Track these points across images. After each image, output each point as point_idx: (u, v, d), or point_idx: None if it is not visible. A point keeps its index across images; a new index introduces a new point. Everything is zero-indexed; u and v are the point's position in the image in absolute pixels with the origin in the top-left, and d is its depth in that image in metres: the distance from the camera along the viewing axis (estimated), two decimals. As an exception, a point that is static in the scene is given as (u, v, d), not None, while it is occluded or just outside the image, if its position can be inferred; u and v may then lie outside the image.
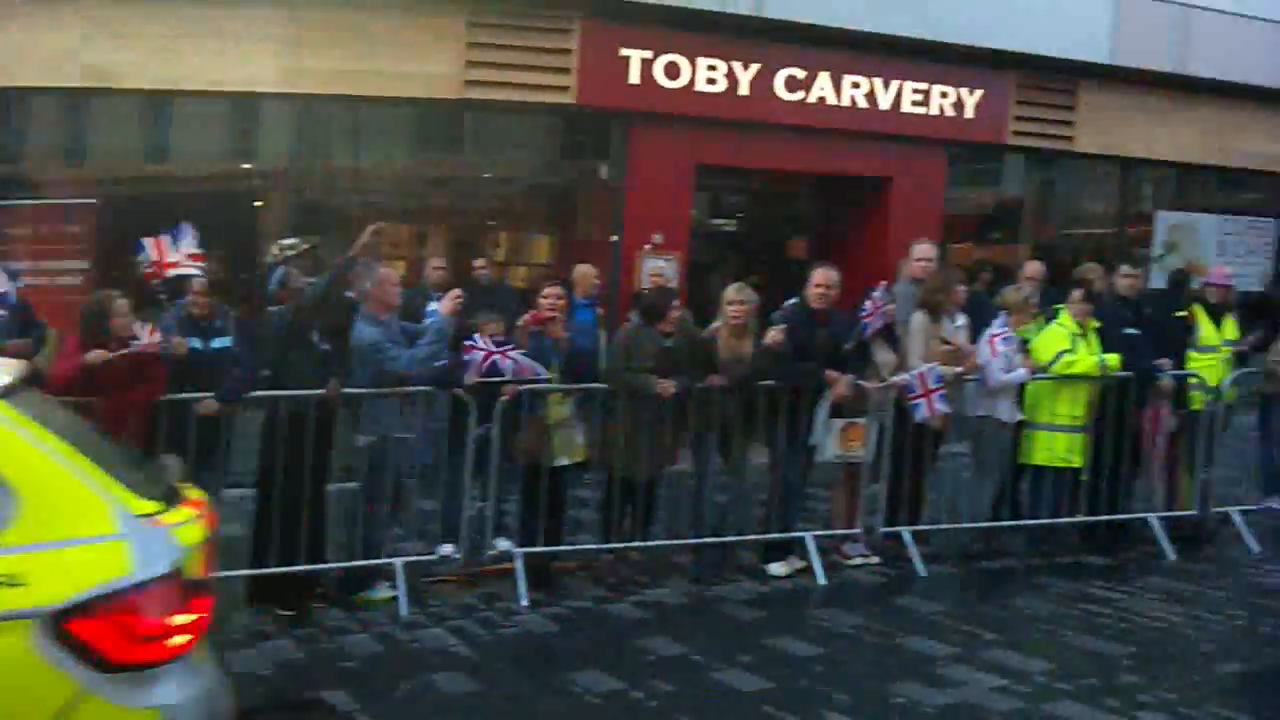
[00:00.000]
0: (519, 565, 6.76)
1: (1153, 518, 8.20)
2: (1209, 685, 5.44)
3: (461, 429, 6.78)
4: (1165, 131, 14.54)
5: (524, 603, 6.54)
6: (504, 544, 7.05)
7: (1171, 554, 7.91)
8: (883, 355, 7.56)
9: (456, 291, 6.89)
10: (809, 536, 7.39)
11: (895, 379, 7.44)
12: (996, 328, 7.74)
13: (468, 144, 12.62)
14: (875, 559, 7.60)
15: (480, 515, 6.94)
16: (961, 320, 7.87)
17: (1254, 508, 8.57)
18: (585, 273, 9.41)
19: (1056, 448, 7.89)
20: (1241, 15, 14.34)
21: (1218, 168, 15.36)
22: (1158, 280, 14.05)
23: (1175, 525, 8.27)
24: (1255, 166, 15.49)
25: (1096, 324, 8.07)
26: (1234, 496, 8.62)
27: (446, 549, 7.00)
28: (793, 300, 7.64)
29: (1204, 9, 14.04)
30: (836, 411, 7.37)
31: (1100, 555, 7.96)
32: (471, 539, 6.91)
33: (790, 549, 7.40)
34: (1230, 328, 8.74)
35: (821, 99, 12.27)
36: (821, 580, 7.15)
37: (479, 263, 10.42)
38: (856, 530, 7.62)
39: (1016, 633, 6.38)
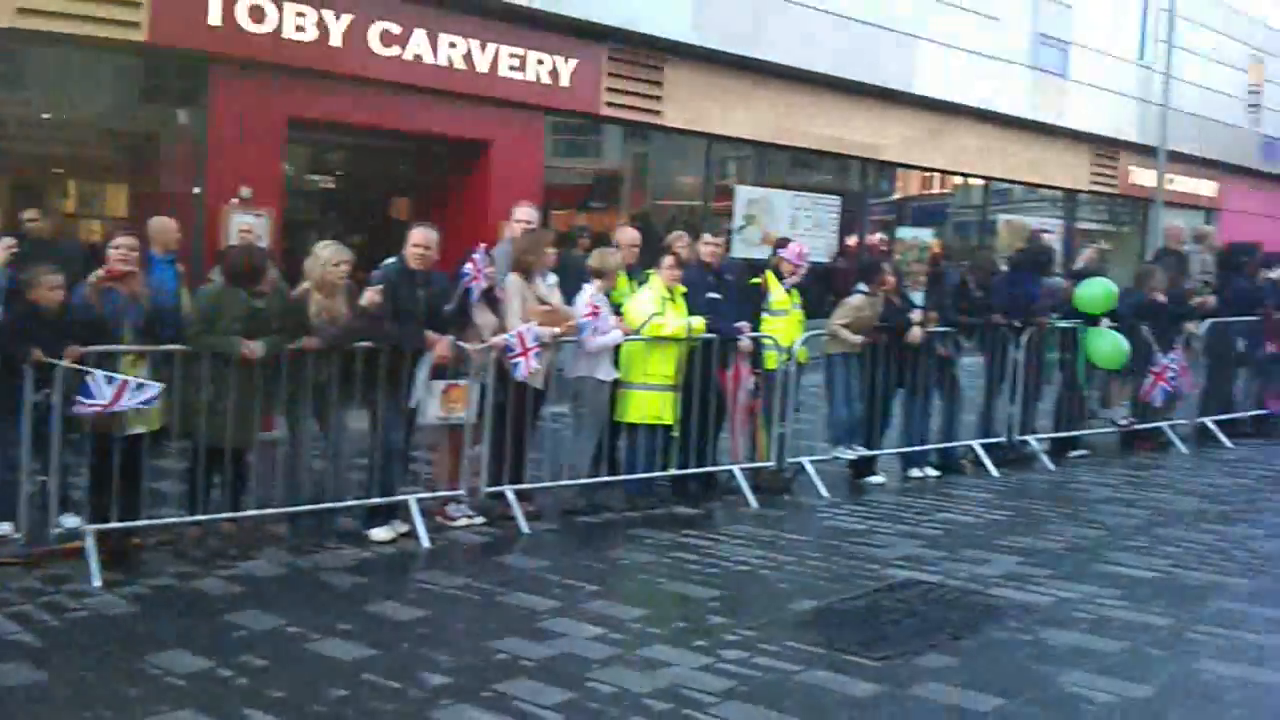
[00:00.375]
0: (89, 543, 6.14)
1: (736, 469, 8.72)
2: (786, 620, 5.82)
3: (14, 395, 6.05)
4: (744, 111, 15.52)
5: (96, 583, 5.95)
6: (71, 521, 6.39)
7: (754, 503, 8.44)
8: (483, 317, 7.53)
9: (9, 241, 6.13)
10: (412, 499, 7.24)
11: (495, 340, 7.43)
12: (588, 292, 7.94)
13: (29, 81, 11.29)
14: (479, 519, 7.57)
15: (43, 491, 6.25)
16: (552, 279, 7.97)
17: (823, 458, 9.32)
18: (164, 226, 8.68)
19: (650, 406, 8.21)
20: (810, 7, 15.52)
21: (791, 147, 16.60)
22: (739, 250, 15.01)
23: (757, 476, 8.85)
24: (822, 148, 16.89)
25: (683, 289, 8.46)
26: (807, 448, 9.35)
27: (4, 529, 6.26)
28: (391, 260, 7.43)
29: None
30: (438, 373, 7.26)
31: (690, 506, 8.37)
32: (33, 517, 6.21)
33: (394, 513, 7.23)
34: (796, 295, 9.41)
35: (418, 56, 12.06)
36: (425, 543, 7.02)
37: (29, 214, 9.34)
38: (460, 492, 7.55)
39: (614, 583, 6.57)
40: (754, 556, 7.09)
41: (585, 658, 5.19)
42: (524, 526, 7.47)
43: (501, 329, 7.49)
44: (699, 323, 8.34)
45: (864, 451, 9.38)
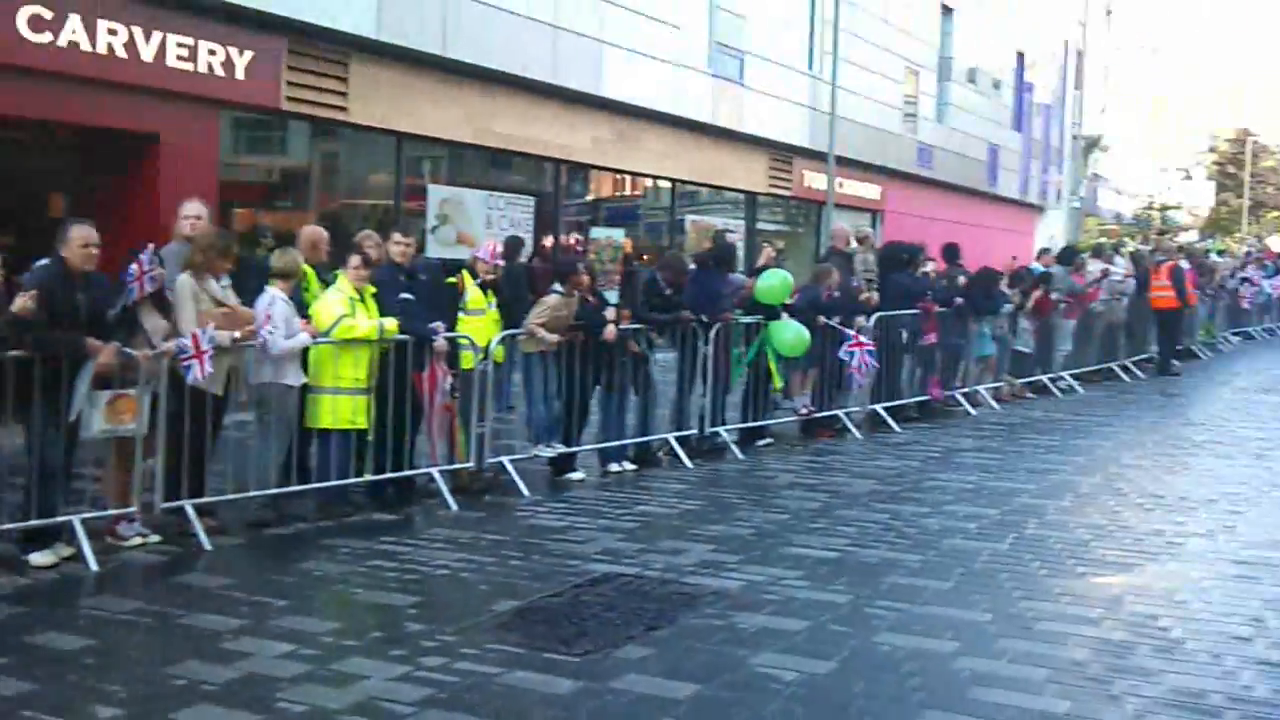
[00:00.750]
0: None
1: (435, 472, 8.56)
2: (486, 623, 5.73)
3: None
4: (435, 110, 15.30)
5: None
6: None
7: (454, 505, 8.30)
8: (152, 321, 7.03)
9: None
10: (76, 520, 6.65)
11: (166, 345, 6.95)
12: (270, 294, 7.59)
13: None
14: (155, 537, 7.06)
15: None
16: (226, 280, 7.53)
17: (523, 456, 9.29)
18: None
19: (341, 411, 7.93)
20: (496, 8, 15.49)
21: (484, 148, 16.52)
22: (434, 249, 14.79)
23: (456, 478, 8.71)
24: (515, 149, 16.90)
25: (373, 289, 8.22)
26: (506, 447, 9.29)
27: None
28: (45, 261, 6.80)
29: (460, -3, 14.94)
30: (103, 383, 6.71)
31: (388, 512, 8.14)
32: None
33: (57, 535, 6.61)
34: (493, 296, 9.36)
35: (74, 44, 11.13)
36: (93, 566, 6.47)
37: None
38: (132, 509, 7.01)
39: (307, 597, 6.28)
40: (454, 560, 6.96)
41: (274, 677, 4.92)
42: (206, 543, 7.03)
43: (174, 334, 7.01)
44: (391, 324, 8.13)
45: (563, 449, 9.43)
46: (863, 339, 11.66)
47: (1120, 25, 46.53)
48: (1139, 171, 49.79)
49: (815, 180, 23.69)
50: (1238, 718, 4.63)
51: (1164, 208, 45.57)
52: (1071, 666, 5.19)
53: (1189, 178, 52.89)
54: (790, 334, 10.91)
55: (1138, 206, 45.22)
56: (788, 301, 11.19)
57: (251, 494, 7.60)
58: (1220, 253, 29.37)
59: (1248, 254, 30.83)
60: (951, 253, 14.85)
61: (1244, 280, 24.47)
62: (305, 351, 7.78)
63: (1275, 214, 66.36)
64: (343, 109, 14.05)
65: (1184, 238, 37.27)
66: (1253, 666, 5.12)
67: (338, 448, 7.96)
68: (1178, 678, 5.04)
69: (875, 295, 12.86)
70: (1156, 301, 17.85)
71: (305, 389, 7.82)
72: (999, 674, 5.10)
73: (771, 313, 11.04)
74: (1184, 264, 18.70)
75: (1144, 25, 51.23)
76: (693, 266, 11.35)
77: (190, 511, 7.12)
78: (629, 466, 9.88)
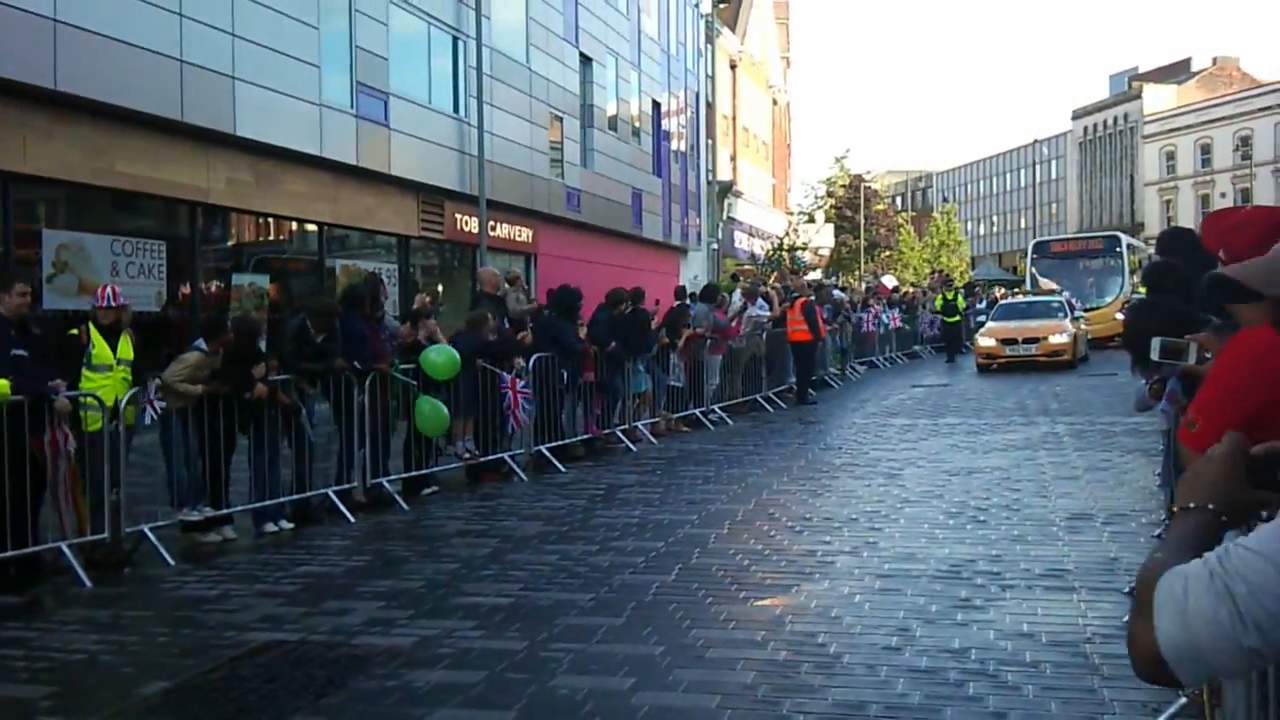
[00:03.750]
0: None
1: (64, 546, 7.74)
2: (134, 708, 5.21)
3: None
4: (47, 148, 14.05)
5: None
6: None
7: (88, 581, 7.55)
8: None
9: None
10: None
11: None
12: None
13: None
14: None
15: None
16: None
17: (166, 523, 8.59)
18: None
19: (-52, 483, 7.03)
20: (110, 38, 14.44)
21: (106, 189, 15.32)
22: (51, 301, 13.54)
23: (91, 551, 7.92)
24: (141, 190, 15.79)
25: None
26: (146, 514, 8.55)
27: None
28: None
29: (71, 25, 13.82)
30: None
31: (11, 594, 7.29)
32: None
33: None
34: (126, 347, 8.64)
35: None
36: None
37: None
38: None
39: (-89, 701, 5.47)
40: (91, 642, 6.30)
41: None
42: None
43: None
44: (3, 384, 7.30)
45: (211, 512, 8.80)
46: (519, 382, 11.67)
47: (744, 80, 49.79)
48: (768, 216, 53.26)
49: (468, 223, 23.70)
50: (897, 725, 4.89)
51: (791, 248, 48.96)
52: (742, 690, 5.32)
53: (811, 220, 57.15)
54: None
55: (769, 248, 48.31)
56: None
57: None
58: (842, 289, 31.92)
59: (867, 289, 33.78)
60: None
61: (862, 314, 26.68)
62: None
63: (888, 253, 72.99)
64: (-64, 147, 12.64)
65: (811, 276, 40.16)
66: (905, 675, 5.44)
67: (-54, 526, 7.05)
68: (839, 691, 5.27)
69: (529, 335, 12.93)
70: (793, 335, 19.06)
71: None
72: (675, 705, 5.15)
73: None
74: (813, 299, 20.11)
75: (770, 77, 55.06)
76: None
77: None
78: (286, 525, 9.37)
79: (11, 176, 13.86)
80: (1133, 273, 31.55)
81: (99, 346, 8.32)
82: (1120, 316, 28.64)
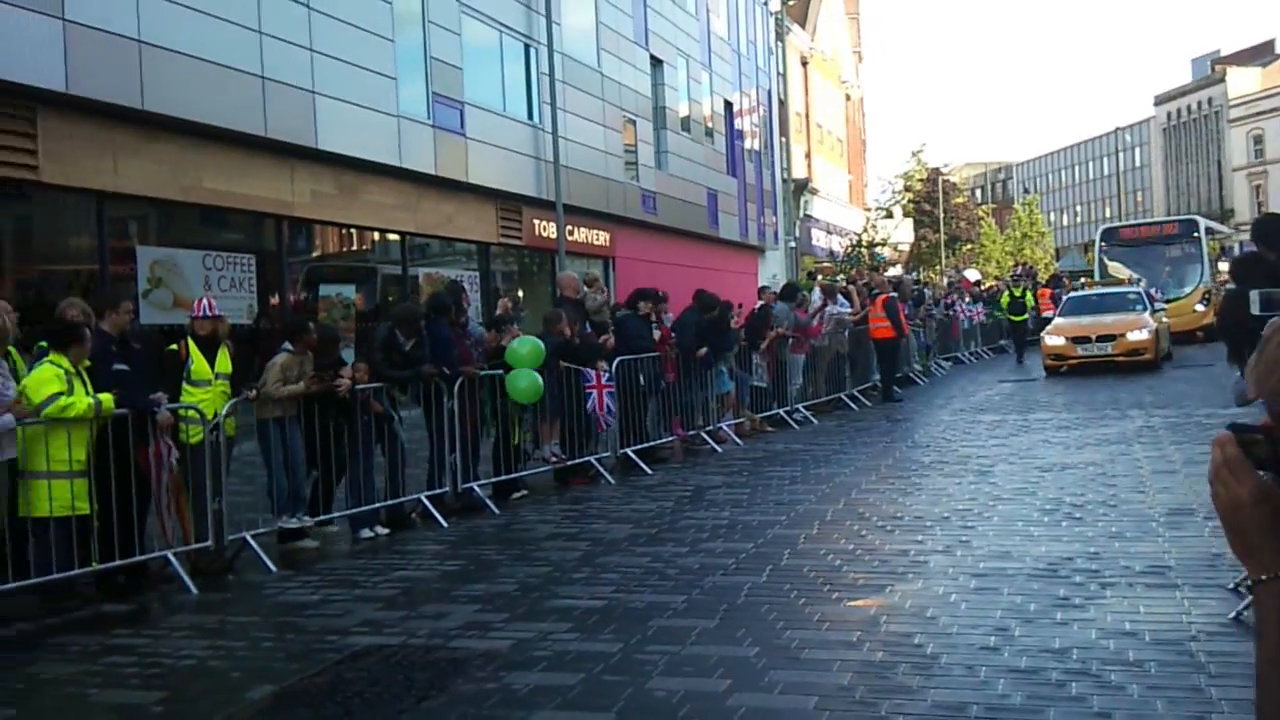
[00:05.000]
0: None
1: (170, 554, 7.96)
2: (243, 713, 5.34)
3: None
4: (135, 166, 14.42)
5: None
6: None
7: (194, 589, 7.75)
8: None
9: None
10: None
11: None
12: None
13: None
14: None
15: None
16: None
17: (266, 530, 8.78)
18: None
19: (59, 496, 7.26)
20: (195, 57, 14.78)
21: (195, 205, 15.69)
22: (148, 315, 13.90)
23: (195, 559, 8.13)
24: (229, 205, 16.15)
25: (87, 362, 7.61)
26: (248, 521, 8.76)
27: None
28: None
29: (157, 46, 14.17)
30: None
31: (121, 602, 7.52)
32: None
33: None
34: (224, 360, 8.86)
35: None
36: None
37: None
38: None
39: (34, 704, 5.67)
40: (200, 648, 6.47)
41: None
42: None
43: None
44: (107, 398, 7.52)
45: (309, 520, 8.98)
46: (603, 379, 11.74)
47: (816, 76, 49.49)
48: (845, 212, 52.88)
49: (546, 229, 23.85)
50: (1000, 726, 4.83)
51: (870, 244, 48.55)
52: (839, 692, 5.30)
53: (889, 216, 56.64)
54: (524, 381, 10.83)
55: (847, 244, 47.96)
56: None
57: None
58: (923, 284, 31.53)
59: (949, 283, 33.28)
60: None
61: (949, 308, 26.34)
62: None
63: (969, 246, 72.02)
64: (33, 168, 13.03)
65: (891, 272, 39.82)
66: (1005, 675, 5.37)
67: (58, 536, 7.27)
68: (938, 692, 5.22)
69: (611, 338, 12.98)
70: (875, 333, 18.91)
71: (17, 474, 7.12)
72: (772, 707, 5.15)
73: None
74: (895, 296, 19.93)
75: (842, 72, 54.68)
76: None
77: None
78: (382, 531, 9.53)
79: (105, 195, 14.26)
80: (1213, 259, 29.45)
81: (198, 362, 8.54)
82: (1201, 308, 27.48)
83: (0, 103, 12.52)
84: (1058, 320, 23.32)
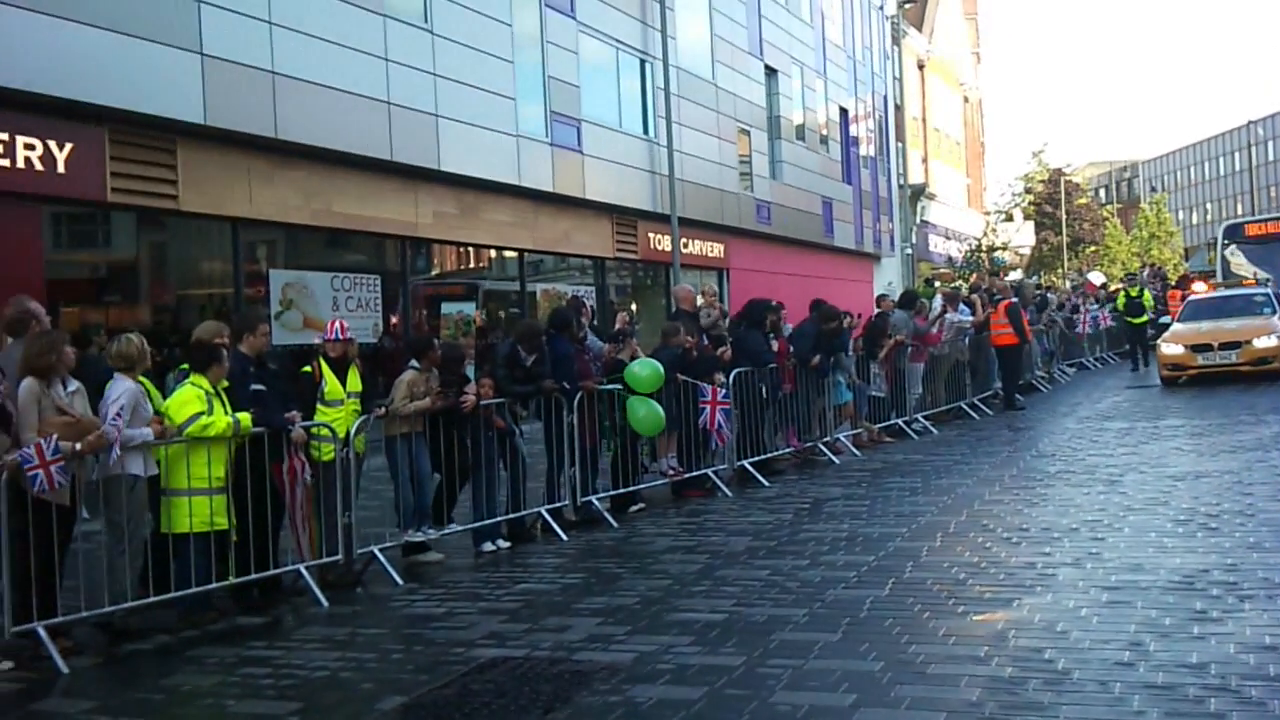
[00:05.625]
0: None
1: (302, 568, 8.22)
2: (375, 723, 5.49)
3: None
4: (269, 192, 14.96)
5: None
6: None
7: (324, 601, 7.98)
8: (-11, 435, 6.61)
9: None
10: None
11: (7, 457, 6.52)
12: (120, 386, 7.25)
13: None
14: (7, 664, 6.58)
15: None
16: (75, 385, 7.17)
17: (392, 544, 9.01)
18: None
19: (199, 512, 7.56)
20: (324, 85, 15.27)
21: (322, 228, 16.20)
22: (280, 336, 14.38)
23: (325, 572, 8.38)
24: (354, 227, 16.63)
25: (225, 383, 7.92)
26: (375, 536, 9.00)
27: None
28: None
29: (289, 77, 14.67)
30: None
31: (255, 615, 7.78)
32: None
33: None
34: (355, 379, 9.11)
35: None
36: (-64, 705, 5.98)
37: None
38: (-23, 638, 6.52)
39: (176, 714, 5.92)
40: (331, 660, 6.66)
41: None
42: (62, 666, 6.57)
43: (17, 445, 6.59)
44: (245, 417, 7.81)
45: (434, 534, 9.18)
46: (718, 395, 11.74)
47: (934, 80, 48.80)
48: (964, 217, 51.99)
49: (660, 242, 23.99)
50: (1134, 744, 4.71)
51: (990, 249, 47.61)
52: (968, 707, 5.21)
53: (1009, 219, 55.46)
54: (643, 410, 10.82)
55: (966, 249, 47.12)
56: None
57: (108, 609, 7.15)
58: (1046, 288, 30.72)
59: (1073, 287, 32.41)
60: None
61: (1074, 310, 25.66)
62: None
63: (1093, 248, 70.16)
64: (173, 197, 13.62)
65: (1012, 276, 38.99)
66: (1140, 691, 5.23)
67: (198, 551, 7.57)
68: (1070, 709, 5.11)
69: (729, 350, 12.98)
70: (996, 339, 18.54)
71: (160, 492, 7.44)
72: (900, 722, 5.10)
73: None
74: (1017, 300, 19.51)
75: (960, 75, 53.82)
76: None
77: (42, 633, 6.66)
78: (503, 545, 9.69)
79: (238, 221, 14.83)
80: None
81: (330, 383, 8.80)
82: None
83: (144, 136, 13.12)
84: (1176, 326, 21.27)
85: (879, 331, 15.79)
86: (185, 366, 8.00)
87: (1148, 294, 26.17)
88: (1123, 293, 26.82)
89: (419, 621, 7.48)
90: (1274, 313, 20.63)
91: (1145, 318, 24.98)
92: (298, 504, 8.28)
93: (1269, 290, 22.08)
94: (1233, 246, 28.21)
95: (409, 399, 9.09)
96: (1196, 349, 19.75)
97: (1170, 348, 20.22)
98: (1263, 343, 19.41)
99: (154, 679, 6.50)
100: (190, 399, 7.59)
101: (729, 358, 12.76)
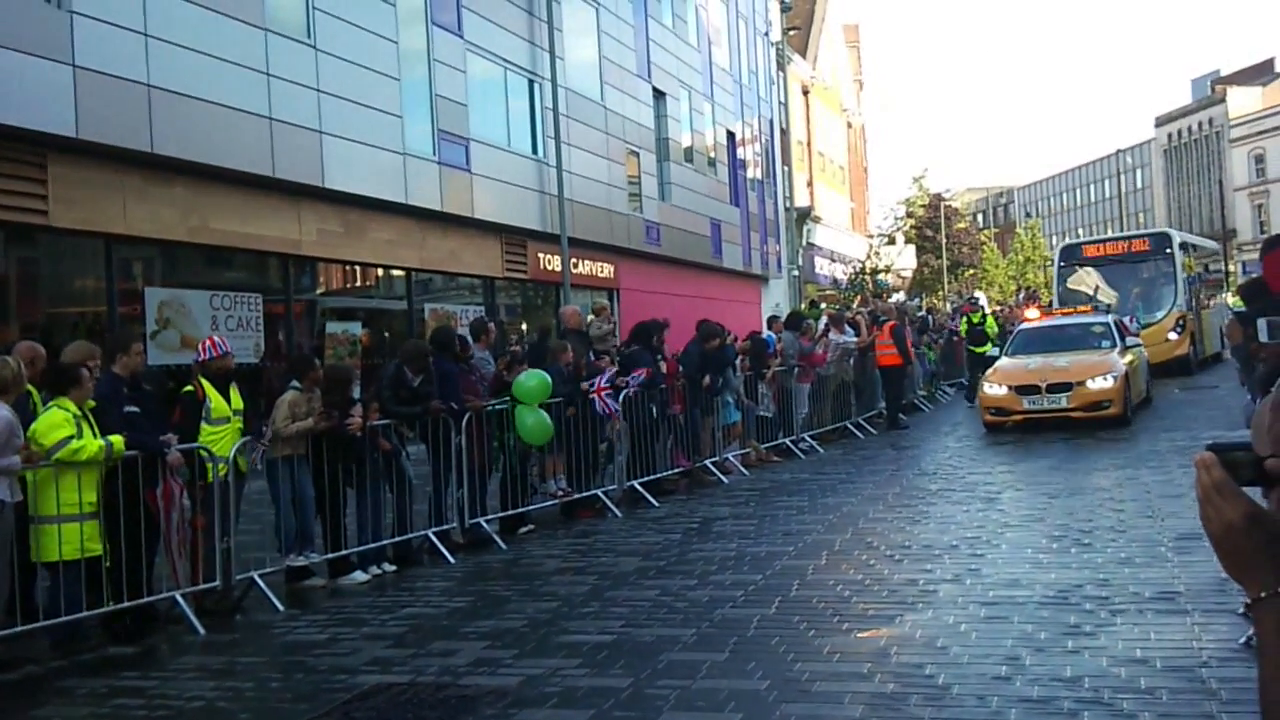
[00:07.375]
0: None
1: (178, 595, 7.96)
2: (254, 754, 5.33)
3: None
4: (145, 209, 14.51)
5: None
6: None
7: (201, 630, 7.74)
8: None
9: None
10: None
11: None
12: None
13: None
14: None
15: None
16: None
17: (274, 569, 8.78)
18: None
19: (70, 539, 7.28)
20: (204, 100, 14.90)
21: (201, 245, 15.78)
22: (156, 357, 13.95)
23: (202, 599, 8.13)
24: (236, 245, 16.23)
25: (92, 404, 7.65)
26: (255, 560, 8.76)
27: None
28: None
29: (165, 90, 14.29)
30: None
31: (128, 645, 7.51)
32: None
33: None
34: (237, 397, 8.90)
35: None
36: None
37: None
38: None
39: (42, 752, 5.66)
40: (208, 689, 6.46)
41: None
42: (-83, 704, 6.26)
43: None
44: (118, 440, 7.55)
45: (316, 558, 8.98)
46: (603, 386, 11.85)
47: (818, 105, 49.72)
48: (848, 240, 53.00)
49: (550, 262, 23.93)
50: (1012, 756, 4.82)
51: (874, 271, 48.62)
52: (852, 725, 5.28)
53: (892, 242, 56.73)
54: (530, 420, 10.82)
55: (850, 272, 48.01)
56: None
57: (-32, 641, 6.85)
58: (927, 310, 31.40)
59: (954, 309, 33.19)
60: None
61: (953, 334, 26.28)
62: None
63: (971, 271, 72.10)
64: (43, 212, 13.12)
65: (894, 298, 39.82)
66: (1017, 705, 5.36)
67: (69, 579, 7.28)
68: (951, 724, 5.21)
69: (615, 367, 13.01)
70: (882, 360, 18.90)
71: (29, 520, 7.14)
72: (785, 741, 5.13)
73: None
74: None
75: (843, 101, 54.92)
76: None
77: (-105, 670, 6.34)
78: (389, 568, 9.52)
79: (112, 238, 14.35)
80: (1188, 278, 25.49)
81: (215, 400, 8.57)
82: (1174, 336, 24.00)
83: (11, 149, 12.62)
84: (1002, 361, 18.22)
85: (761, 351, 15.96)
86: (30, 389, 7.62)
87: (991, 320, 24.08)
88: (964, 319, 24.35)
89: (300, 648, 7.30)
90: (1114, 346, 17.89)
91: (987, 346, 22.53)
92: (173, 528, 8.02)
93: (1108, 320, 19.17)
94: (1070, 269, 26.05)
95: (290, 419, 8.90)
96: (1021, 390, 16.57)
97: (992, 388, 17.01)
98: (1097, 385, 16.28)
99: (22, 712, 6.22)
100: (59, 422, 7.32)
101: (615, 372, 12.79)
